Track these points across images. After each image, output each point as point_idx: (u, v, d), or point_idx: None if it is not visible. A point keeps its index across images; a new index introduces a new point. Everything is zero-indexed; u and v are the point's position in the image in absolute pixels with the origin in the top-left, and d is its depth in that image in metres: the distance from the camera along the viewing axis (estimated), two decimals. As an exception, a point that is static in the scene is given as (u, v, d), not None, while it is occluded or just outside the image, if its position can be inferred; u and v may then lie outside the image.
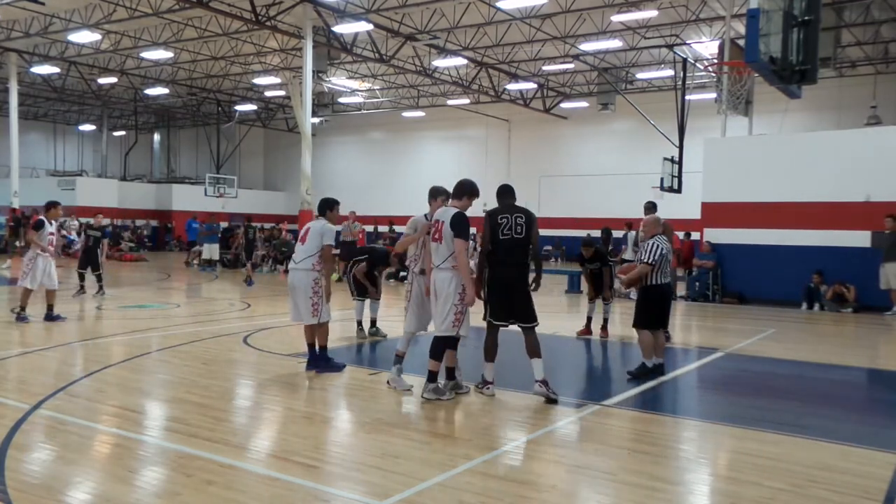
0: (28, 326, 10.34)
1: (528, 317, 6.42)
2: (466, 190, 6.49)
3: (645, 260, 7.56)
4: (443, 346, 6.33)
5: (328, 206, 7.63)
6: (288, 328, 10.62)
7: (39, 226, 10.82)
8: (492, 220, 6.52)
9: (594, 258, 10.37)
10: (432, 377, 6.36)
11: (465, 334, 6.38)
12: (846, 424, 6.23)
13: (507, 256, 6.44)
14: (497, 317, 6.53)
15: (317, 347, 7.48)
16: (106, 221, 30.56)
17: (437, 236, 6.34)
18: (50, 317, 10.69)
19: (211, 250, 22.45)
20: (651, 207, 10.34)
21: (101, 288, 14.44)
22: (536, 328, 6.47)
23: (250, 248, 19.66)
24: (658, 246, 7.59)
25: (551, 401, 6.32)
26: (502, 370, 7.05)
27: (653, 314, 7.65)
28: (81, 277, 14.37)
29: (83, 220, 31.33)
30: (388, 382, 6.81)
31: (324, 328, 7.45)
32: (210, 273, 21.63)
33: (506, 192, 6.75)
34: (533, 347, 6.42)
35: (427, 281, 6.59)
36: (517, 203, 6.71)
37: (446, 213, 6.39)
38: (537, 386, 6.33)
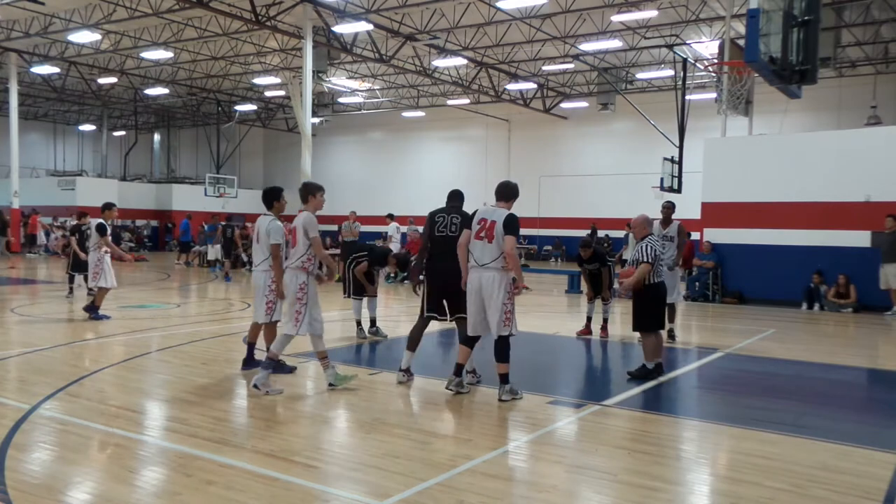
0: (30, 325, 10.37)
1: (460, 308, 6.76)
2: (515, 193, 6.59)
3: (644, 260, 7.50)
4: (506, 346, 6.37)
5: (274, 198, 7.33)
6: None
7: (103, 229, 11.24)
8: (430, 220, 7.02)
9: (592, 259, 10.37)
10: (505, 379, 6.39)
11: (514, 333, 6.42)
12: (846, 424, 6.23)
13: (440, 252, 6.89)
14: (431, 308, 6.98)
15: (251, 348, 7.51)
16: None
17: (482, 234, 6.35)
18: (93, 311, 10.99)
19: (215, 250, 22.52)
20: (670, 207, 10.24)
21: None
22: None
23: (228, 247, 20.28)
24: (651, 247, 7.55)
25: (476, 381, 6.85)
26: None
27: (653, 315, 7.63)
28: (73, 279, 14.08)
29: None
30: (254, 386, 6.47)
31: (271, 328, 7.41)
32: (212, 273, 21.63)
33: (453, 196, 7.16)
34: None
35: (464, 280, 6.55)
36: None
37: (495, 213, 6.38)
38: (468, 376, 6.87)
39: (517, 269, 6.40)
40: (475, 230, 6.41)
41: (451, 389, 6.51)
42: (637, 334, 7.92)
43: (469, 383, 6.86)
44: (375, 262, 9.75)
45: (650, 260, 7.46)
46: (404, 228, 21.33)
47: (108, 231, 11.30)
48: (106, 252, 11.21)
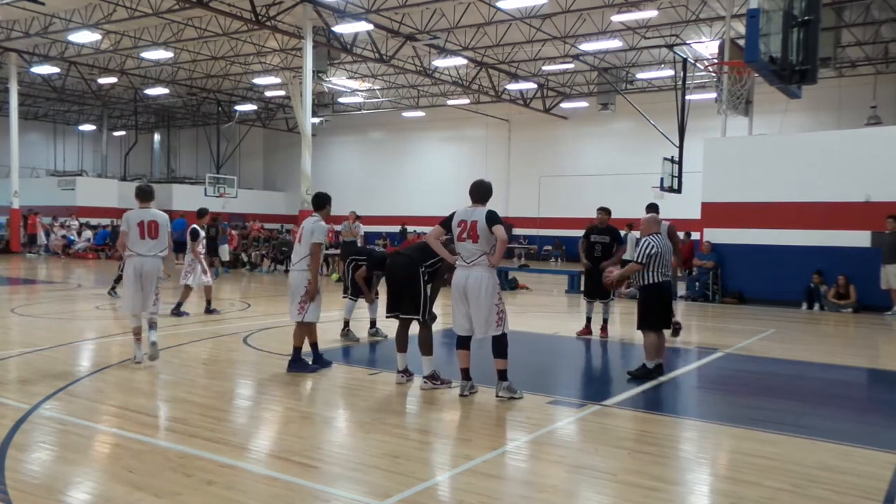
0: (30, 325, 10.37)
1: (411, 309, 6.77)
2: (490, 192, 6.54)
3: (635, 258, 7.59)
4: (504, 342, 6.37)
5: (326, 202, 7.66)
6: (288, 328, 10.61)
7: (196, 234, 11.80)
8: None
9: (606, 231, 10.02)
10: (503, 375, 6.40)
11: (506, 332, 6.42)
12: (846, 424, 6.23)
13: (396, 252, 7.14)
14: (388, 308, 6.96)
15: (301, 347, 7.50)
16: (74, 222, 30.51)
17: (464, 236, 6.33)
18: (209, 310, 11.78)
19: (222, 251, 22.38)
20: (652, 208, 10.12)
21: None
22: (433, 325, 6.92)
23: (213, 246, 20.51)
24: (649, 244, 7.54)
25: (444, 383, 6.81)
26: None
27: (656, 314, 7.62)
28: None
29: (83, 220, 31.40)
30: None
31: (311, 328, 7.49)
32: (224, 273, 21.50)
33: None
34: (420, 343, 6.77)
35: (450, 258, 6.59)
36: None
37: (474, 213, 6.36)
38: (422, 381, 6.79)
39: (500, 255, 6.26)
40: (457, 233, 6.39)
41: (465, 395, 6.50)
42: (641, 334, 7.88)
43: (399, 382, 6.97)
44: (375, 267, 9.55)
45: (640, 259, 7.51)
46: (338, 228, 20.96)
47: (202, 236, 11.93)
48: (201, 253, 11.87)
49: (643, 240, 7.64)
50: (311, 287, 7.28)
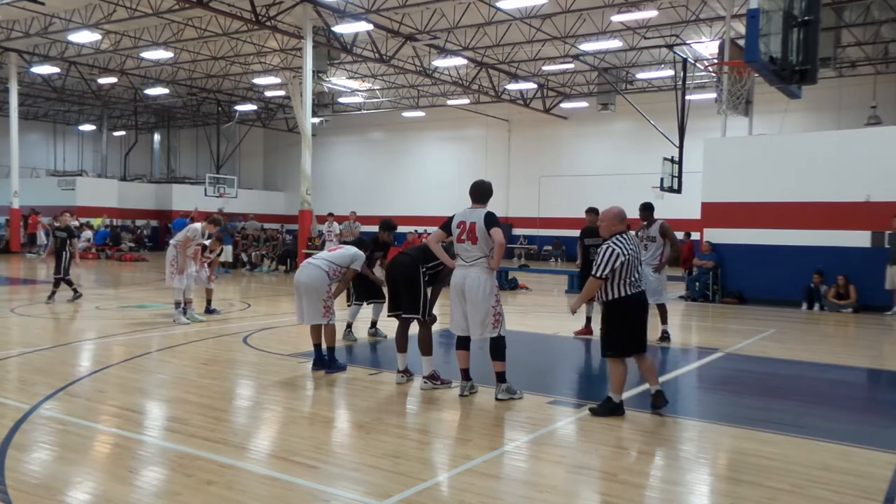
0: (30, 325, 10.39)
1: (411, 308, 6.80)
2: (490, 193, 6.53)
3: (594, 273, 5.90)
4: (501, 345, 6.35)
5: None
6: (288, 328, 10.63)
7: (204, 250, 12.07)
8: None
9: (598, 233, 9.95)
10: (501, 377, 6.39)
11: (503, 334, 6.39)
12: (846, 424, 6.23)
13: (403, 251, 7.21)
14: (389, 307, 7.03)
15: (324, 348, 7.49)
16: (74, 222, 30.46)
17: (463, 237, 6.33)
18: (209, 310, 11.90)
19: (225, 252, 22.29)
20: (645, 208, 9.80)
21: (75, 292, 13.42)
22: (433, 325, 6.92)
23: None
24: (613, 252, 5.86)
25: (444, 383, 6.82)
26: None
27: (618, 337, 6.01)
28: (57, 283, 13.29)
29: (83, 219, 31.40)
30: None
31: (332, 328, 7.49)
32: (225, 274, 21.45)
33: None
34: (420, 343, 6.80)
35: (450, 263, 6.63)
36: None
37: (472, 214, 6.36)
38: (422, 381, 6.81)
39: (499, 259, 6.24)
40: (456, 234, 6.38)
41: (465, 395, 6.50)
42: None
43: (399, 382, 6.98)
44: (376, 249, 9.56)
45: (600, 273, 5.84)
46: (340, 227, 20.86)
47: (207, 252, 12.09)
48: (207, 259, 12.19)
49: (605, 246, 5.96)
50: (336, 291, 7.56)
